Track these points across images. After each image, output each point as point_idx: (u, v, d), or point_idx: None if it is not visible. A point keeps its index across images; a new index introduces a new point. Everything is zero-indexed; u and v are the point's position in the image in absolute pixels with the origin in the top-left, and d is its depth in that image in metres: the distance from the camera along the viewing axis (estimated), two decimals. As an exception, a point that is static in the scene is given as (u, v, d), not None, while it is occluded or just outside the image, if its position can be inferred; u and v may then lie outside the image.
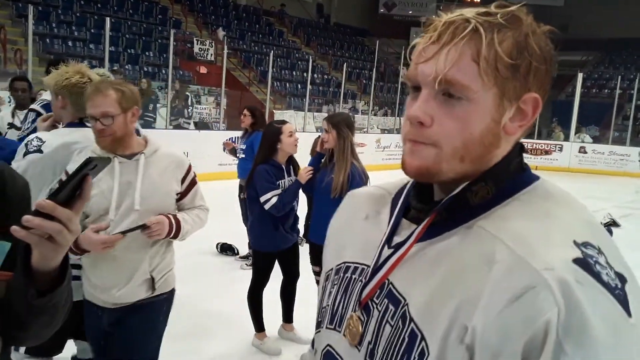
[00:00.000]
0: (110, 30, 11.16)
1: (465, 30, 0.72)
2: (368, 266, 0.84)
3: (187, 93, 13.51)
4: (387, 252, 0.82)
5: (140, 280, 2.22)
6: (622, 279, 0.68)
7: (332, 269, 0.93)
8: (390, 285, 0.79)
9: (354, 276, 0.87)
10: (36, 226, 0.87)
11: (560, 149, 17.84)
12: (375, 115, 18.16)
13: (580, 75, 18.84)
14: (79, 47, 15.10)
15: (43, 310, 0.97)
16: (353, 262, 0.89)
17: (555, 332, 0.62)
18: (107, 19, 10.93)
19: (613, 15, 24.14)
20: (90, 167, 0.90)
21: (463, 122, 0.73)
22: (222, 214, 6.82)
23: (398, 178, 0.93)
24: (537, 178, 0.80)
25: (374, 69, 18.27)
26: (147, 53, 16.21)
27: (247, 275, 5.42)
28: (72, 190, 0.90)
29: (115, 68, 12.31)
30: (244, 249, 5.80)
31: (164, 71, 14.60)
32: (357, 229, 0.92)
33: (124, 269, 2.18)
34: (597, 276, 0.65)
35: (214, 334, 4.03)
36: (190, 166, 2.33)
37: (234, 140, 7.59)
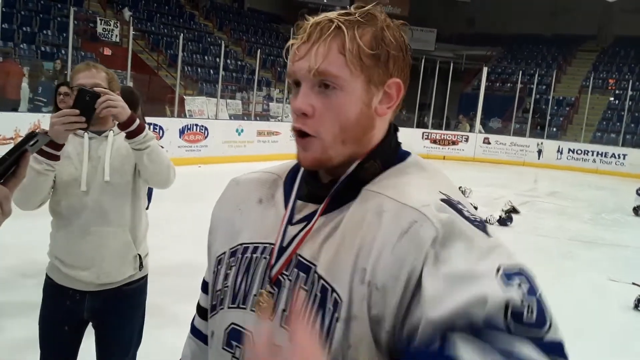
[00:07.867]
0: (4, 6, 10.38)
1: (330, 29, 0.84)
2: (271, 244, 0.90)
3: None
4: (292, 229, 0.89)
5: (128, 257, 2.20)
6: (482, 220, 0.86)
7: (224, 253, 0.97)
8: (299, 257, 0.86)
9: (254, 255, 0.92)
10: None
11: (466, 140, 18.60)
12: (289, 103, 17.98)
13: (485, 69, 19.68)
14: (-33, 23, 13.89)
15: None
16: (252, 242, 0.93)
17: (434, 247, 0.77)
18: (-1, -7, 10.09)
19: (515, 13, 25.42)
20: (31, 142, 0.85)
21: (339, 109, 0.86)
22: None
23: (286, 162, 1.02)
24: (409, 153, 0.94)
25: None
26: (44, 32, 15.12)
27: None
28: (9, 166, 0.84)
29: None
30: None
31: (63, 51, 13.68)
32: (251, 213, 0.97)
33: (103, 245, 2.16)
34: (460, 211, 0.83)
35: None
36: None
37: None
